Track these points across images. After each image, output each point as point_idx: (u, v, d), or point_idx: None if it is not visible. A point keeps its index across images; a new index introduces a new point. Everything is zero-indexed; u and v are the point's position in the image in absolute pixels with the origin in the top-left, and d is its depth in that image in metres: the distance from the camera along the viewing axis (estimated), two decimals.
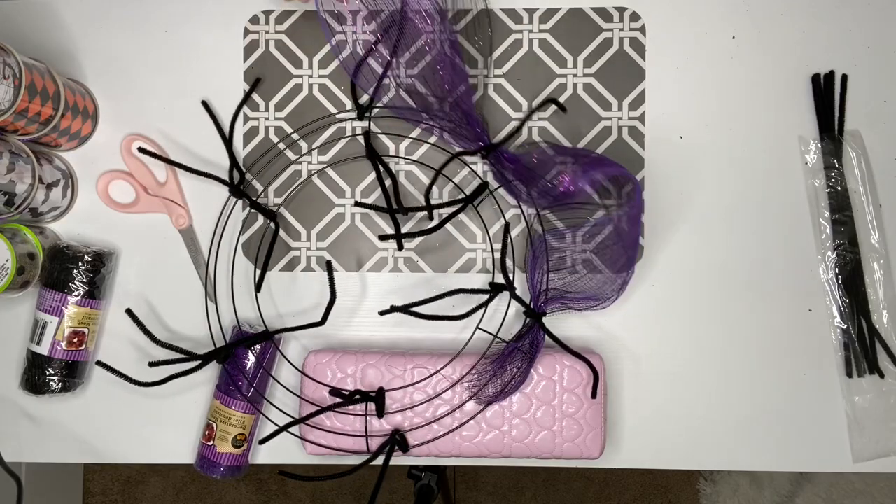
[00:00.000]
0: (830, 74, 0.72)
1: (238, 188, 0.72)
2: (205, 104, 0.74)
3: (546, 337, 0.68)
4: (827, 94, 0.72)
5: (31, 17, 0.76)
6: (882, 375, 0.71)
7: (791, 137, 0.73)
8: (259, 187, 0.74)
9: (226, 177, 0.74)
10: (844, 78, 0.73)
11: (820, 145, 0.72)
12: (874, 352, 0.71)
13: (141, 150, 0.73)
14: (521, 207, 0.73)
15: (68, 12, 0.76)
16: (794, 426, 0.72)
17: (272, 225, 0.73)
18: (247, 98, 0.74)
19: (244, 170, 0.74)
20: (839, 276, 0.72)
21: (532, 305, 0.69)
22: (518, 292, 0.71)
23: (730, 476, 1.47)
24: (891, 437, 0.71)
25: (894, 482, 1.43)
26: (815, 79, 0.73)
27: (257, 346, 0.70)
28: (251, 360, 0.70)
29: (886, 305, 0.72)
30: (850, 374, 0.71)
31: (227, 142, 0.73)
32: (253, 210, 0.73)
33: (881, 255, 0.72)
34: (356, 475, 1.51)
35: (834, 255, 0.72)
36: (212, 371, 0.73)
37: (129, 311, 0.69)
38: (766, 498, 1.45)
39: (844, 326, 0.71)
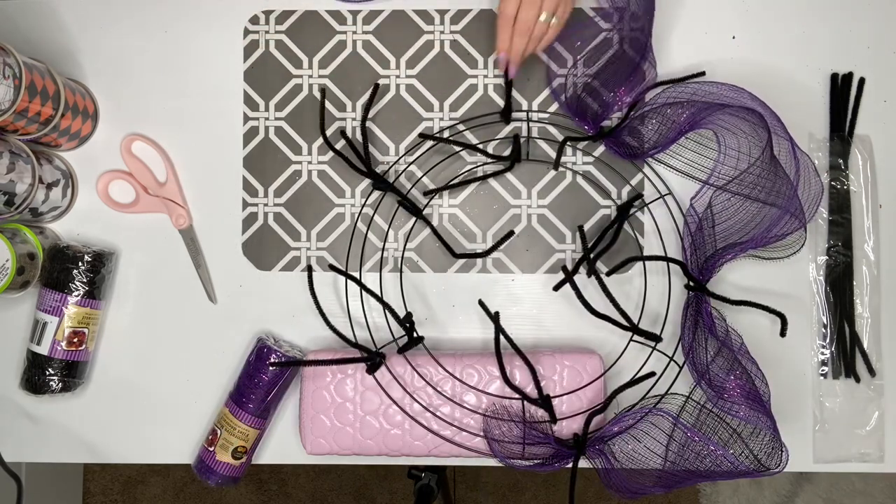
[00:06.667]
0: (849, 76, 0.72)
1: (383, 180, 0.72)
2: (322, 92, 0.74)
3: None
4: (842, 95, 0.72)
5: (31, 17, 0.76)
6: (858, 380, 0.71)
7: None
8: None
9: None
10: (862, 81, 0.73)
11: (828, 144, 0.72)
12: (853, 356, 0.72)
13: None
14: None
15: (68, 12, 0.76)
16: (795, 425, 0.72)
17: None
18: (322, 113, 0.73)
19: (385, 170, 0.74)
20: (828, 277, 0.72)
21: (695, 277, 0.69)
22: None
23: None
24: (853, 443, 0.71)
25: (894, 482, 1.43)
26: (834, 78, 0.73)
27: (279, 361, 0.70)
28: (270, 374, 0.69)
29: (870, 313, 0.72)
30: (824, 376, 0.72)
31: (363, 152, 0.73)
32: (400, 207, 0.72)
33: (872, 263, 0.72)
34: (355, 475, 1.51)
35: (826, 256, 0.72)
36: (218, 375, 0.73)
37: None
38: (766, 498, 1.45)
39: (825, 328, 0.72)
